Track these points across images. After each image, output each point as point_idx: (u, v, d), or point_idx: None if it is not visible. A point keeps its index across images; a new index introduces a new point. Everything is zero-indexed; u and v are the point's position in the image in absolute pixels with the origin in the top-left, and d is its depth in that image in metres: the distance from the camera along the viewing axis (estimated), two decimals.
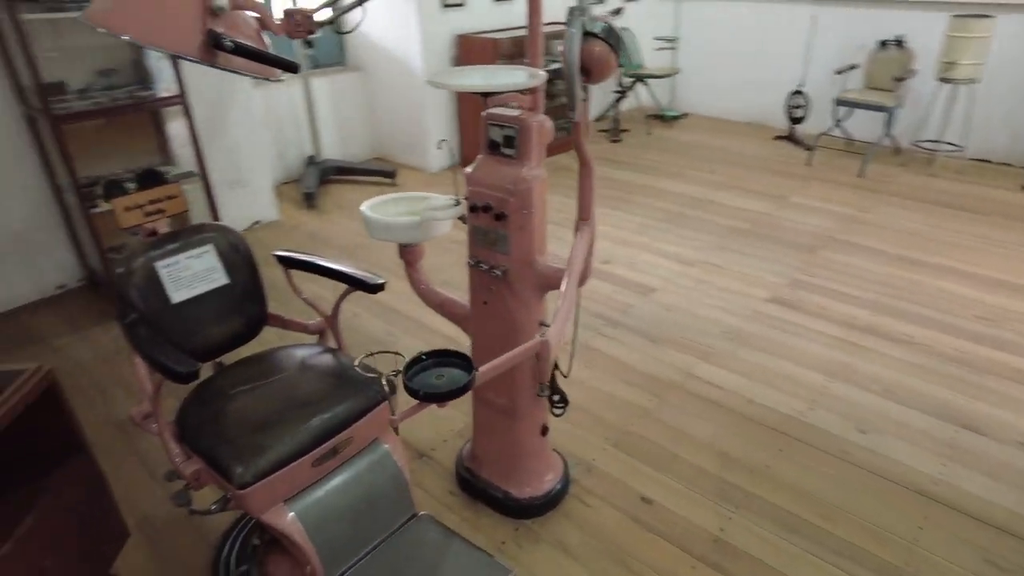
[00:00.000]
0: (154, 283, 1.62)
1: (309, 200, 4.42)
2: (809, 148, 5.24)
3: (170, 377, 1.31)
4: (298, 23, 1.07)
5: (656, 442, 2.27)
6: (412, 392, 1.19)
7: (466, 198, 1.71)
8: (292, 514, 1.45)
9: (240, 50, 0.90)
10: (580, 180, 1.59)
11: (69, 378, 2.67)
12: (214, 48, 0.88)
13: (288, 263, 1.81)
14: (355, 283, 1.65)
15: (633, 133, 5.97)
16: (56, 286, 3.40)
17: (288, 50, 4.75)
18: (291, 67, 0.97)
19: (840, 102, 4.95)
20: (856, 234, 3.84)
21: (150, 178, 1.73)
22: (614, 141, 5.77)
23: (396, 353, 1.36)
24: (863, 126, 5.17)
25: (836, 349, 2.75)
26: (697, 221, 4.08)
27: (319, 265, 1.74)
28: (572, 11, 1.35)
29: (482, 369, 1.24)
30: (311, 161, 4.78)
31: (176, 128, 3.44)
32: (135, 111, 3.20)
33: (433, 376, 1.23)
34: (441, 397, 1.17)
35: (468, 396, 1.84)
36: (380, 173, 4.88)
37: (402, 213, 1.99)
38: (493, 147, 1.66)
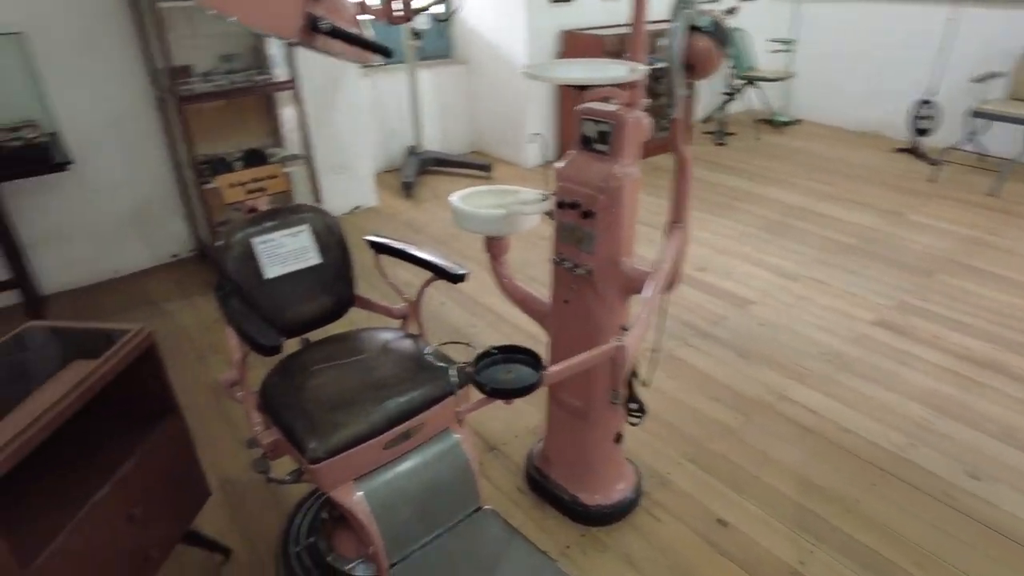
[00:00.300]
0: (250, 258, 1.69)
1: (407, 189, 4.53)
2: (934, 162, 4.84)
3: (255, 349, 1.36)
4: (397, 9, 1.08)
5: (737, 462, 2.15)
6: (479, 386, 1.18)
7: (554, 193, 1.68)
8: (360, 493, 1.47)
9: (337, 33, 0.91)
10: (676, 181, 1.52)
11: (172, 340, 2.86)
12: (312, 31, 0.89)
13: (378, 248, 1.84)
14: (439, 272, 1.66)
15: (740, 137, 5.73)
16: (171, 255, 3.66)
17: (396, 41, 4.88)
18: (385, 52, 0.97)
19: (977, 114, 4.52)
20: (981, 258, 3.50)
21: (254, 158, 1.81)
22: (719, 144, 5.55)
23: (467, 344, 1.35)
24: (1001, 141, 4.70)
25: (947, 383, 2.52)
26: (802, 233, 3.85)
27: (406, 252, 1.76)
28: (678, 4, 1.29)
29: (552, 369, 1.20)
30: (412, 151, 4.89)
31: (287, 112, 3.61)
32: (251, 94, 3.38)
33: (502, 372, 1.21)
34: (507, 394, 1.15)
35: (543, 394, 1.82)
36: (476, 166, 4.93)
37: (490, 205, 1.98)
38: (586, 143, 1.62)
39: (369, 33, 1.12)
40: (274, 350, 1.34)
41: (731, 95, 5.68)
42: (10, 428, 1.15)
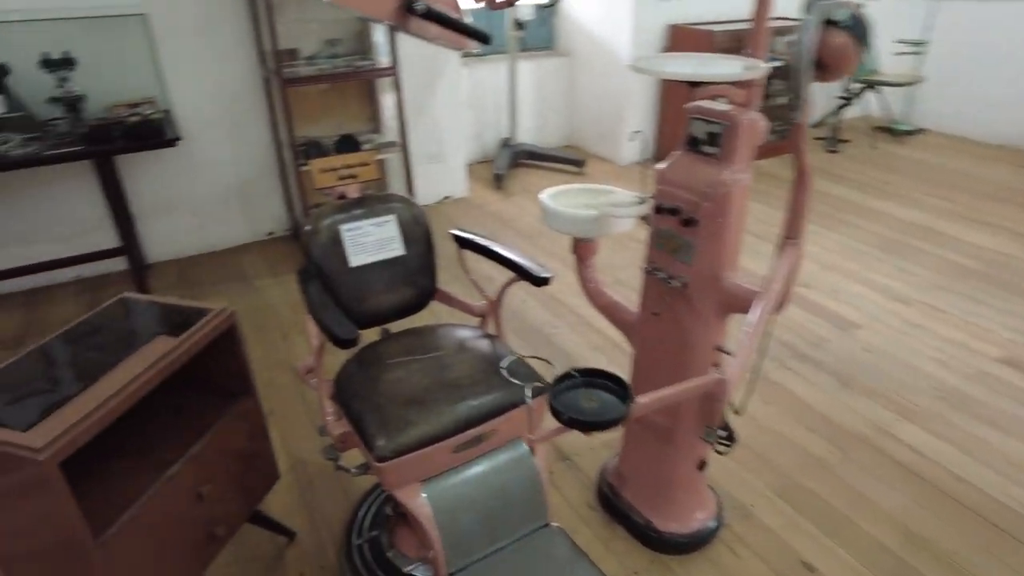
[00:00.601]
0: (336, 244, 1.68)
1: (498, 181, 4.49)
2: None
3: (331, 340, 1.33)
4: None
5: (829, 501, 1.97)
6: (555, 413, 1.07)
7: (653, 196, 1.57)
8: (424, 496, 1.42)
9: (432, 15, 0.84)
10: (794, 192, 1.37)
11: (260, 317, 2.94)
12: (407, 12, 0.83)
13: (462, 243, 1.79)
14: (521, 272, 1.58)
15: (854, 145, 5.33)
16: (267, 232, 3.77)
17: (498, 31, 4.84)
18: (482, 37, 0.90)
19: None
20: None
21: (347, 144, 1.79)
22: (831, 151, 5.19)
23: (546, 361, 1.26)
24: None
25: None
26: (919, 253, 3.52)
27: (490, 249, 1.69)
28: None
29: (642, 400, 1.09)
30: (505, 143, 4.84)
31: (387, 99, 3.64)
32: (353, 79, 3.42)
33: (583, 398, 1.10)
34: (587, 426, 1.03)
35: None
36: (569, 161, 4.83)
37: (581, 205, 1.88)
38: (693, 144, 1.49)
39: (468, 19, 1.05)
40: (350, 343, 1.30)
41: (848, 99, 5.28)
42: (92, 400, 1.17)
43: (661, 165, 1.55)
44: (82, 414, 1.13)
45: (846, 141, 5.34)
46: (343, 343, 1.30)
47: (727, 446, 1.69)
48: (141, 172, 3.30)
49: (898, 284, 3.19)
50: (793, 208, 1.37)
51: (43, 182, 3.08)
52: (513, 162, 4.76)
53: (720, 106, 1.45)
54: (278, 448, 2.11)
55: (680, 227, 1.48)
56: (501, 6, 1.04)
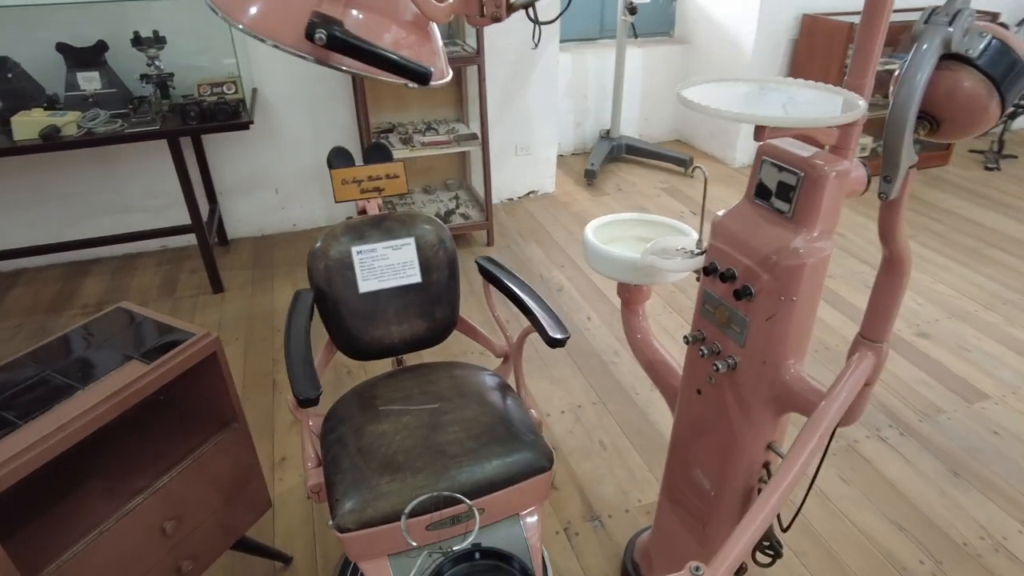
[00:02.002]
0: (346, 266, 1.52)
1: (589, 177, 4.20)
2: None
3: (293, 392, 1.17)
4: (482, 5, 0.76)
5: None
6: None
7: (705, 251, 1.27)
8: (392, 573, 1.25)
9: (342, 46, 0.62)
10: (881, 282, 1.04)
11: None
12: (308, 40, 0.62)
13: (486, 275, 1.58)
14: (538, 327, 1.34)
15: (1022, 162, 4.53)
16: (345, 216, 3.73)
17: (610, 14, 4.50)
18: (418, 77, 0.67)
19: None
20: None
21: (376, 152, 1.62)
22: (989, 168, 4.43)
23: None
24: None
25: None
26: None
27: (512, 291, 1.46)
28: (932, 13, 0.81)
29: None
30: (604, 136, 4.53)
31: (474, 87, 3.44)
32: None
33: None
34: None
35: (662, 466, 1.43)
36: (673, 159, 4.43)
37: (635, 239, 1.62)
38: (762, 193, 1.18)
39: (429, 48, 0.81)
40: (308, 403, 1.14)
41: (1020, 107, 4.47)
42: (31, 436, 1.08)
43: (720, 213, 1.25)
44: (11, 453, 1.04)
45: (1011, 157, 4.54)
46: (301, 402, 1.14)
47: (770, 558, 1.38)
48: (226, 149, 3.33)
49: None
50: (879, 304, 1.04)
51: (138, 155, 3.18)
52: (610, 157, 4.45)
53: (800, 149, 1.13)
54: (279, 473, 2.03)
55: (733, 298, 1.18)
56: (482, 22, 0.80)
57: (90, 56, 2.79)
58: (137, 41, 2.75)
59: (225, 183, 3.41)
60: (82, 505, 1.25)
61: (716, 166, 4.53)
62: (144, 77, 2.81)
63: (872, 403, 2.29)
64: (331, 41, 0.61)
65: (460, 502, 1.22)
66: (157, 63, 2.81)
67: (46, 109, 2.63)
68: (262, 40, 0.70)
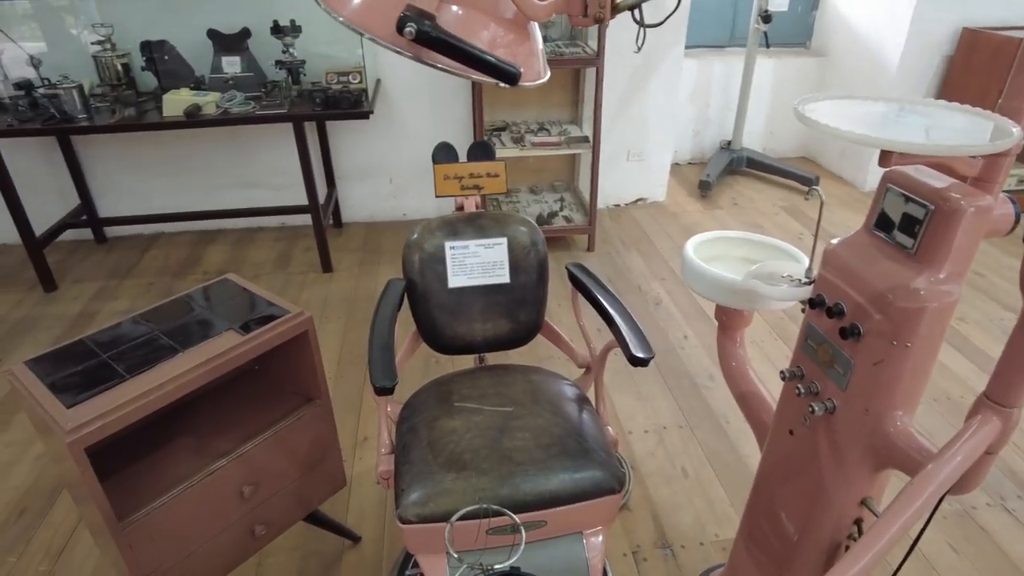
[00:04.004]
0: (438, 260, 1.54)
1: (704, 188, 4.04)
2: None
3: (371, 379, 1.19)
4: (585, 5, 0.72)
5: None
6: None
7: (814, 281, 1.17)
8: (447, 574, 1.25)
9: (430, 41, 0.61)
10: (1017, 337, 0.90)
11: None
12: (398, 33, 0.61)
13: (575, 283, 1.54)
14: (621, 341, 1.29)
15: None
16: (456, 208, 3.79)
17: (742, 23, 4.30)
18: (507, 77, 0.64)
19: None
20: None
21: (479, 150, 1.62)
22: None
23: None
24: None
25: None
26: None
27: (597, 301, 1.42)
28: None
29: None
30: (724, 146, 4.34)
31: (591, 89, 3.40)
32: (555, 66, 3.23)
33: None
34: None
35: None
36: (796, 176, 4.18)
37: (737, 260, 1.53)
38: (883, 224, 1.07)
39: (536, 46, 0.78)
40: (383, 391, 1.16)
41: None
42: (134, 390, 1.16)
43: (834, 241, 1.14)
44: (116, 403, 1.13)
45: None
46: (377, 390, 1.16)
47: None
48: (347, 136, 3.48)
49: None
50: (1012, 362, 0.90)
51: (266, 136, 3.39)
52: (728, 169, 4.26)
53: (933, 178, 1.01)
54: (359, 453, 2.08)
55: (839, 336, 1.08)
56: (584, 23, 0.77)
57: (234, 42, 3.00)
58: (276, 29, 2.93)
59: (344, 168, 3.57)
60: (172, 460, 1.34)
61: (844, 189, 4.22)
62: (279, 63, 2.99)
63: (998, 466, 2.05)
64: (420, 36, 0.61)
65: (508, 515, 1.20)
66: (292, 50, 2.97)
67: (192, 89, 2.86)
68: (360, 33, 0.71)
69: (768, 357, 2.59)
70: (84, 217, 3.39)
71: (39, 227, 3.00)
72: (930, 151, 0.86)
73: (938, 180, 1.00)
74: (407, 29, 0.60)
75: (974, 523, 1.87)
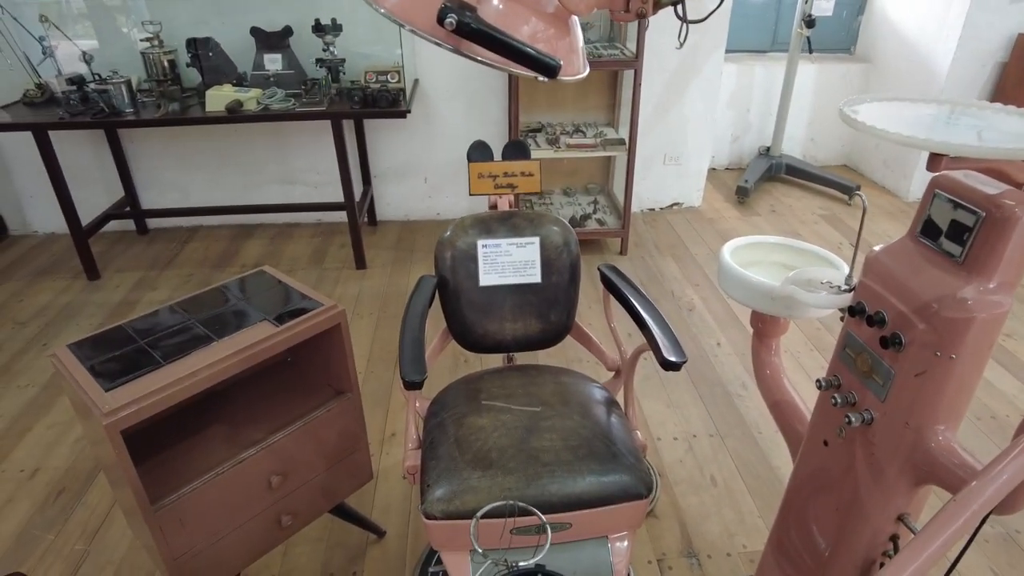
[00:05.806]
0: (470, 258, 1.54)
1: (741, 194, 3.98)
2: None
3: (400, 373, 1.19)
4: (627, 0, 0.71)
5: None
6: None
7: (854, 288, 1.14)
8: (470, 570, 1.24)
9: (470, 32, 0.61)
10: None
11: None
12: (439, 24, 0.61)
13: (607, 284, 1.52)
14: (653, 345, 1.27)
15: None
16: (490, 206, 3.80)
17: (785, 25, 4.23)
18: (546, 70, 0.64)
19: None
20: None
21: (514, 149, 1.62)
22: None
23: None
24: None
25: None
26: None
27: (630, 303, 1.40)
28: None
29: None
30: (763, 153, 4.27)
31: (628, 92, 3.38)
32: (593, 67, 3.21)
33: None
34: None
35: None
36: (837, 185, 4.09)
37: (775, 265, 1.49)
38: (929, 232, 1.03)
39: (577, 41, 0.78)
40: (412, 385, 1.16)
41: None
42: (169, 375, 1.19)
43: (877, 248, 1.11)
44: (152, 388, 1.15)
45: None
46: (406, 384, 1.16)
47: None
48: (384, 135, 3.51)
49: None
50: None
51: (306, 133, 3.45)
52: (767, 175, 4.18)
53: (985, 184, 0.97)
54: (385, 447, 2.09)
55: (880, 345, 1.04)
56: (626, 17, 0.76)
57: (276, 40, 3.06)
58: (317, 27, 2.97)
59: (380, 167, 3.61)
60: (204, 447, 1.36)
61: (887, 198, 4.11)
62: (319, 61, 3.04)
63: None
64: (460, 27, 0.60)
65: (535, 513, 1.19)
66: (332, 49, 3.02)
67: (234, 85, 2.92)
68: (401, 25, 0.71)
69: (803, 367, 2.54)
70: (128, 209, 3.49)
71: (85, 218, 3.10)
72: (985, 154, 0.83)
73: (990, 186, 0.96)
74: (448, 20, 0.60)
75: (1019, 548, 1.80)
